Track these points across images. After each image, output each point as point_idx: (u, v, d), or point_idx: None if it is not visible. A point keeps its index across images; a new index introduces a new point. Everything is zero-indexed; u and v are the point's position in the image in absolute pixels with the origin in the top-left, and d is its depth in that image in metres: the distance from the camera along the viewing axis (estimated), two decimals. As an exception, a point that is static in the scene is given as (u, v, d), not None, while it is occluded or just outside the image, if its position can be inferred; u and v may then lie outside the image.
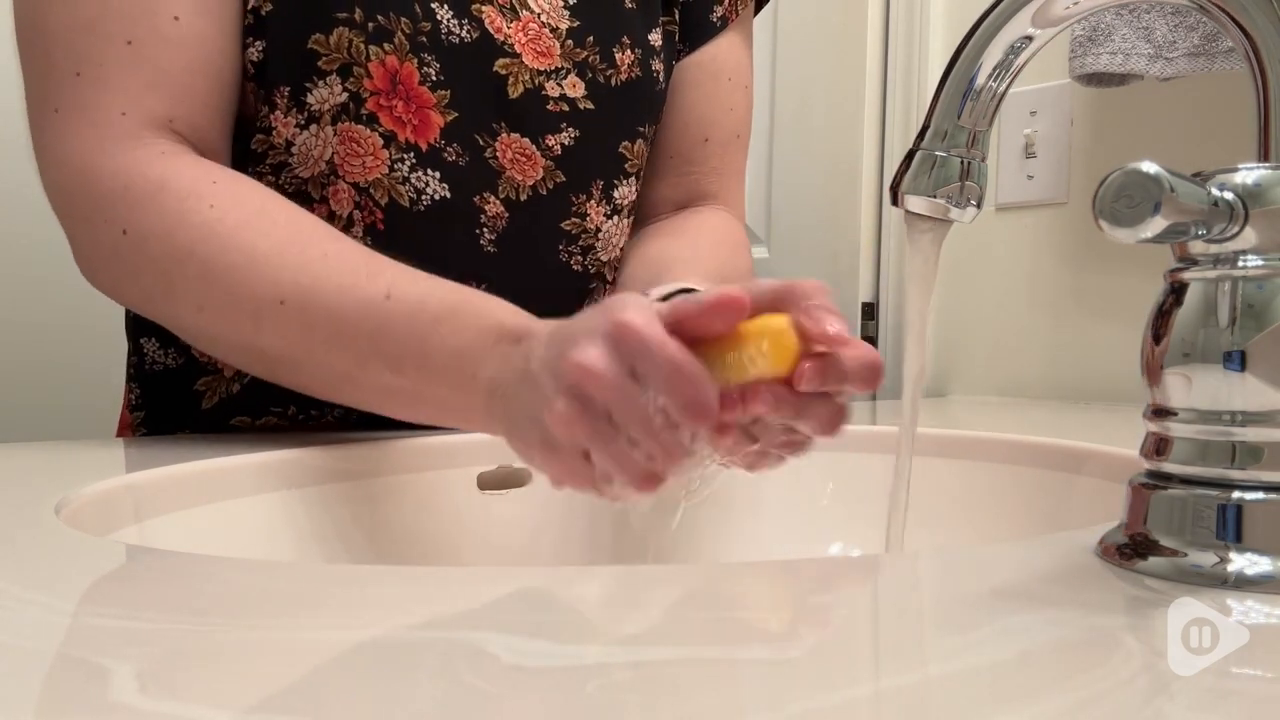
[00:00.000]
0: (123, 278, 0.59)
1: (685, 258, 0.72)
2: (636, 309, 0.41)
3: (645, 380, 0.40)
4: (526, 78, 0.68)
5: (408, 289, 0.53)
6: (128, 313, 0.72)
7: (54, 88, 0.58)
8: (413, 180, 0.65)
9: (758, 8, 0.83)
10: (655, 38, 0.75)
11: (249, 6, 0.61)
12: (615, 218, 0.74)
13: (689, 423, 0.39)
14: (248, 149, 0.64)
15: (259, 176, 0.64)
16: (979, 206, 0.44)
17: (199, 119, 0.60)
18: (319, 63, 0.62)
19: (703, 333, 0.40)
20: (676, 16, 0.78)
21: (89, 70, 0.57)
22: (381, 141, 0.64)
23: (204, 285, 0.56)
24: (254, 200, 0.57)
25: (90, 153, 0.57)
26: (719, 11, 0.79)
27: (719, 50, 0.80)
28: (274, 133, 0.63)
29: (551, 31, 0.69)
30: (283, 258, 0.54)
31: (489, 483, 0.63)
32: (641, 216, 0.80)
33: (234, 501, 0.52)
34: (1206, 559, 0.30)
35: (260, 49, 0.62)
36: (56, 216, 0.59)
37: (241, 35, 0.62)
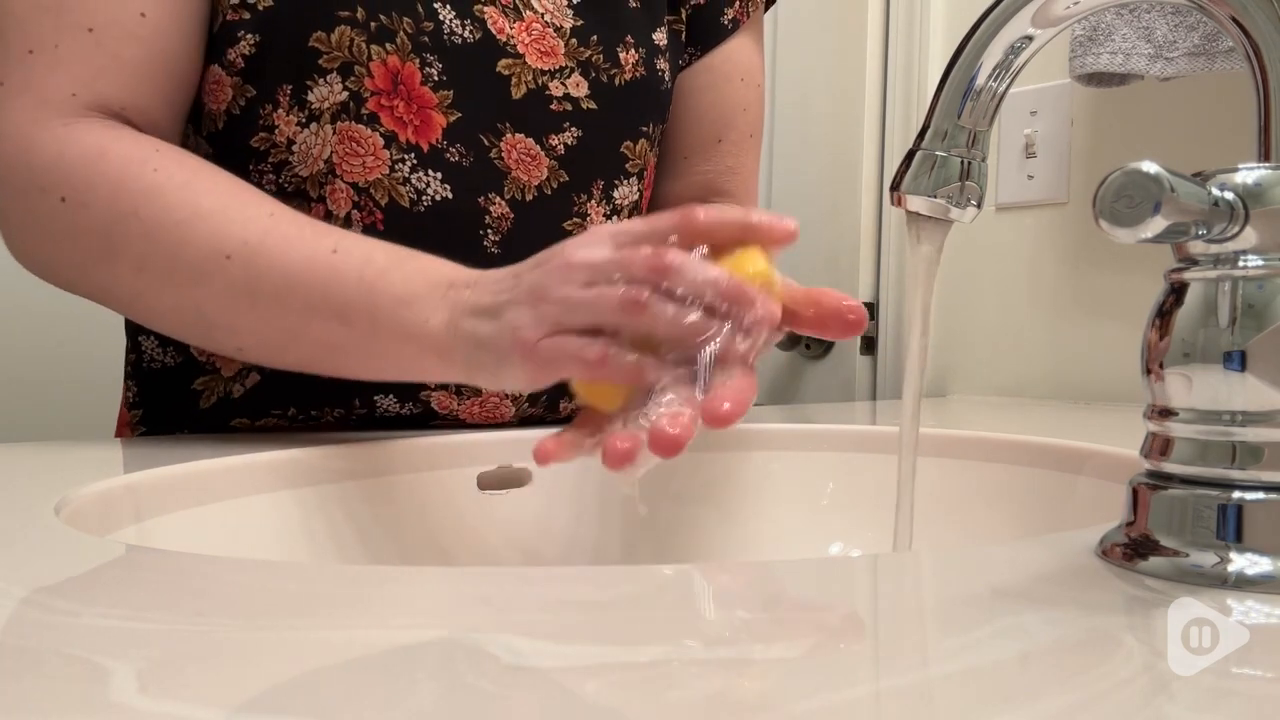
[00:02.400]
0: (58, 249, 0.58)
1: None
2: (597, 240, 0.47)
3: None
4: (529, 78, 0.68)
5: (354, 245, 0.55)
6: None
7: (3, 64, 0.58)
8: (413, 181, 0.64)
9: (766, 6, 0.83)
10: (660, 37, 0.75)
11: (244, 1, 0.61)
12: (615, 218, 0.74)
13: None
14: (248, 146, 0.64)
15: (260, 175, 0.64)
16: (979, 206, 0.44)
17: (154, 111, 0.60)
18: (320, 61, 0.62)
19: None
20: (683, 16, 0.78)
21: (43, 51, 0.57)
22: (382, 141, 0.64)
23: (147, 244, 0.55)
24: (193, 162, 0.58)
25: (31, 124, 0.57)
26: (730, 14, 0.79)
27: (731, 52, 0.80)
28: (276, 131, 0.63)
29: (556, 31, 0.69)
30: (227, 213, 0.55)
31: (489, 483, 0.63)
32: None
33: (234, 501, 0.52)
34: (1207, 559, 0.30)
35: (253, 43, 0.62)
36: None
37: (227, 31, 0.62)
